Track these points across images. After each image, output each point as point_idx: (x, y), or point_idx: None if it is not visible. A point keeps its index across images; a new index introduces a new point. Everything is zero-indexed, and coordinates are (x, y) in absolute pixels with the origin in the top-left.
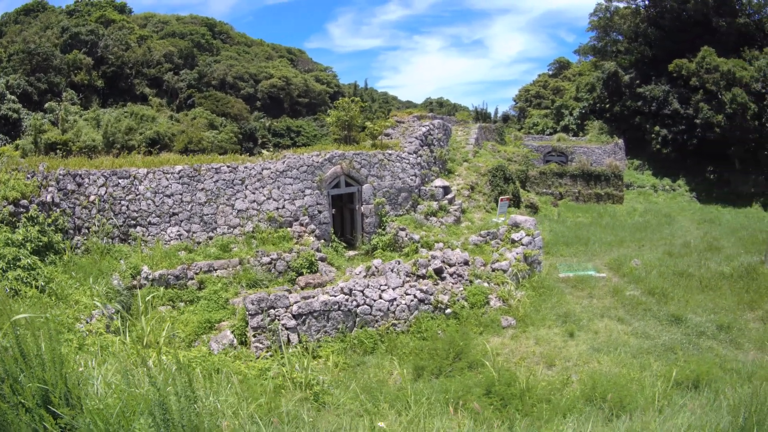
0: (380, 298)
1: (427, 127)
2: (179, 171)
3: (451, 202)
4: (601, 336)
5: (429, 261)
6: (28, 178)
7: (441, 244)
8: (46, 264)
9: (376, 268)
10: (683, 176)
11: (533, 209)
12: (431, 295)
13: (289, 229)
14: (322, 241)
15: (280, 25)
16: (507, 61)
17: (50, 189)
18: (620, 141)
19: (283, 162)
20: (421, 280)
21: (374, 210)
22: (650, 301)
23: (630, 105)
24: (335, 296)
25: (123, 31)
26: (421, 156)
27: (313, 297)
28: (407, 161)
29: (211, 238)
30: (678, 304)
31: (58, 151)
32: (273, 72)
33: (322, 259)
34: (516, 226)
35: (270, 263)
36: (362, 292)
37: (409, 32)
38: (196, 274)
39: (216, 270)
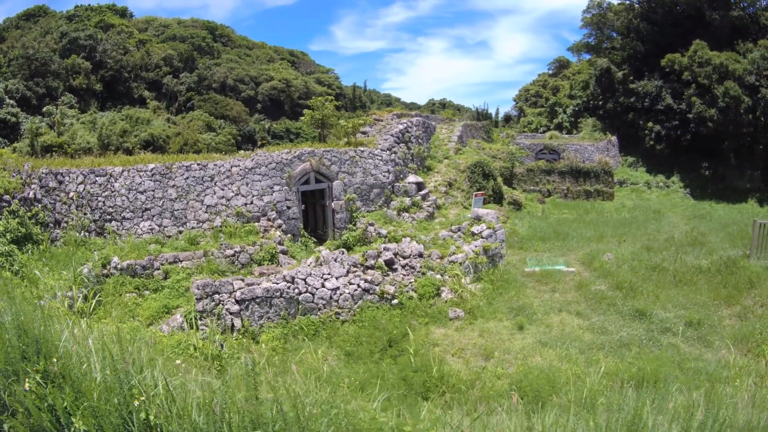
0: (323, 286)
1: (405, 125)
2: (152, 168)
3: (424, 198)
4: (554, 330)
5: (380, 253)
6: (13, 176)
7: (408, 239)
8: (24, 252)
9: (323, 258)
10: (677, 173)
11: (516, 206)
12: (377, 285)
13: (256, 224)
14: (289, 235)
15: (282, 27)
16: (510, 62)
17: (33, 186)
18: (613, 138)
19: (252, 159)
20: (369, 270)
21: (345, 206)
22: (616, 295)
23: (623, 101)
24: (277, 284)
25: (121, 36)
26: (395, 153)
27: (257, 284)
28: (380, 158)
29: (181, 232)
30: (646, 299)
31: (53, 153)
32: (273, 74)
33: (284, 252)
34: (478, 219)
35: (233, 255)
36: (304, 280)
37: (412, 34)
38: (162, 264)
39: (182, 261)
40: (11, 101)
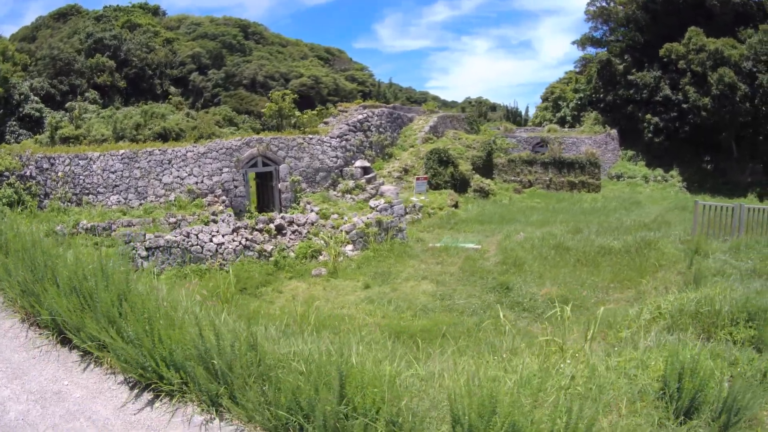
0: (210, 241)
1: (364, 115)
2: (122, 153)
3: (369, 181)
4: (396, 293)
5: (272, 219)
6: (15, 158)
7: (336, 215)
8: (15, 213)
9: (221, 220)
10: (677, 166)
11: (483, 194)
12: (257, 244)
13: (203, 199)
14: (229, 208)
15: (323, 26)
16: (554, 63)
17: (30, 166)
18: (613, 131)
19: (205, 146)
20: (255, 232)
21: (290, 187)
22: (497, 270)
23: (622, 94)
24: (176, 237)
25: (146, 35)
26: (347, 140)
27: (162, 236)
28: (328, 144)
29: (141, 204)
30: (526, 276)
31: (70, 143)
32: (303, 71)
33: (214, 221)
34: (381, 195)
35: (175, 222)
36: (197, 235)
37: (456, 33)
38: (117, 227)
39: (134, 225)
40: (36, 98)
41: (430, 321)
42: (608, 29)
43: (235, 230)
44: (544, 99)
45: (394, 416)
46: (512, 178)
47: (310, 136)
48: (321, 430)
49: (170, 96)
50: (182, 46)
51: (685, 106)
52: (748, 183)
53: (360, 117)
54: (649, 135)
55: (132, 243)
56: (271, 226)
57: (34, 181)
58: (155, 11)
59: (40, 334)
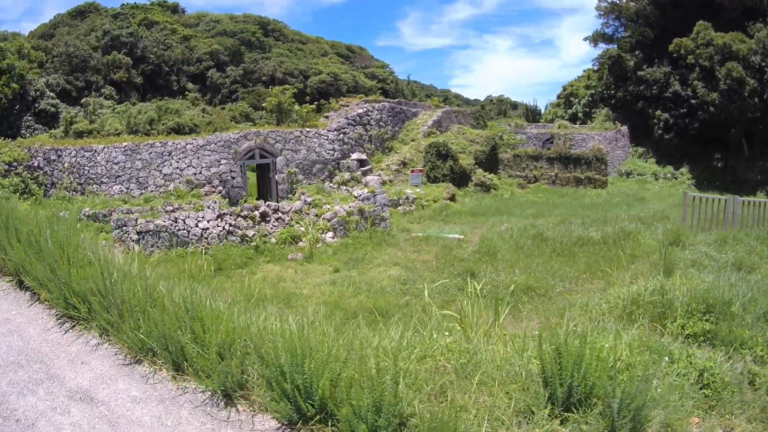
0: (196, 226)
1: (364, 110)
2: (125, 146)
3: (365, 173)
4: (363, 277)
5: (257, 206)
6: (24, 150)
7: (328, 206)
8: (21, 200)
9: (207, 207)
10: (687, 164)
11: (484, 188)
12: (240, 229)
13: (201, 189)
14: (226, 199)
15: (344, 24)
16: (575, 61)
17: (38, 158)
18: (623, 128)
19: (204, 139)
20: (241, 219)
21: (287, 178)
22: (471, 259)
23: (633, 90)
24: (165, 222)
25: (163, 33)
26: (345, 133)
27: (152, 221)
28: (326, 137)
29: (142, 194)
30: (501, 265)
31: (84, 138)
32: (322, 68)
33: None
34: (366, 185)
35: (172, 210)
36: (184, 221)
37: (478, 31)
38: (117, 214)
39: (133, 213)
40: (51, 93)
41: (374, 301)
42: (619, 25)
43: (220, 216)
44: (559, 96)
45: (223, 348)
46: (517, 173)
47: (308, 129)
48: (166, 352)
49: (187, 92)
50: (200, 43)
51: (693, 102)
52: (758, 181)
53: (360, 111)
54: (659, 132)
55: (125, 227)
56: (256, 213)
57: (41, 172)
58: (174, 9)
59: (6, 280)
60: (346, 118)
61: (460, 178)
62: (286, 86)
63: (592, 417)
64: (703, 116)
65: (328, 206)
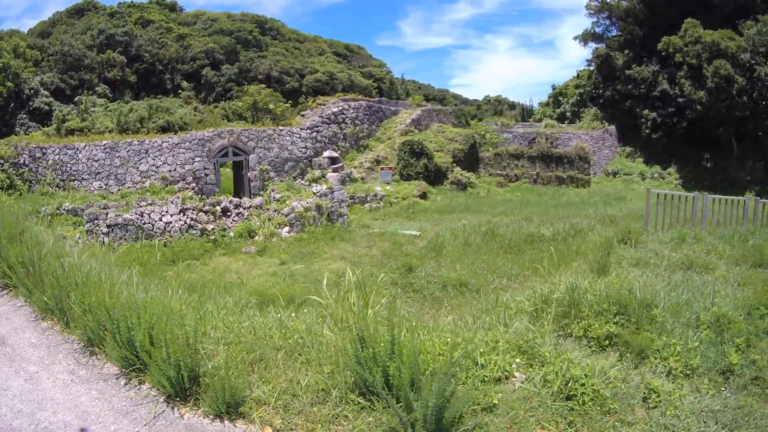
0: (160, 220)
1: (339, 108)
2: (105, 144)
3: (335, 171)
4: (305, 269)
5: (219, 202)
6: (11, 148)
7: (297, 200)
8: (7, 195)
9: (170, 202)
10: (675, 164)
11: (460, 186)
12: (200, 223)
13: (175, 186)
14: (202, 195)
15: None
16: (575, 62)
17: (23, 155)
18: (611, 127)
19: (179, 137)
20: (203, 214)
21: (258, 175)
22: (417, 255)
23: (621, 89)
24: (132, 216)
25: (158, 31)
26: (319, 131)
27: (120, 215)
28: (298, 135)
29: (120, 189)
30: (445, 260)
31: (75, 135)
32: (318, 67)
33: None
34: (327, 181)
35: (146, 206)
36: (149, 215)
37: (479, 31)
38: (94, 209)
39: (110, 207)
40: (45, 92)
41: (290, 290)
42: (610, 24)
43: (183, 211)
44: (549, 96)
45: (92, 309)
46: (498, 172)
47: (281, 128)
48: (61, 312)
49: (181, 90)
50: (196, 42)
51: (681, 100)
52: (748, 181)
53: (335, 110)
54: (647, 131)
55: (96, 221)
56: (217, 208)
57: (26, 168)
58: (172, 7)
59: None
60: (321, 116)
61: (435, 176)
62: (262, 86)
63: (401, 408)
64: (690, 115)
65: (298, 199)
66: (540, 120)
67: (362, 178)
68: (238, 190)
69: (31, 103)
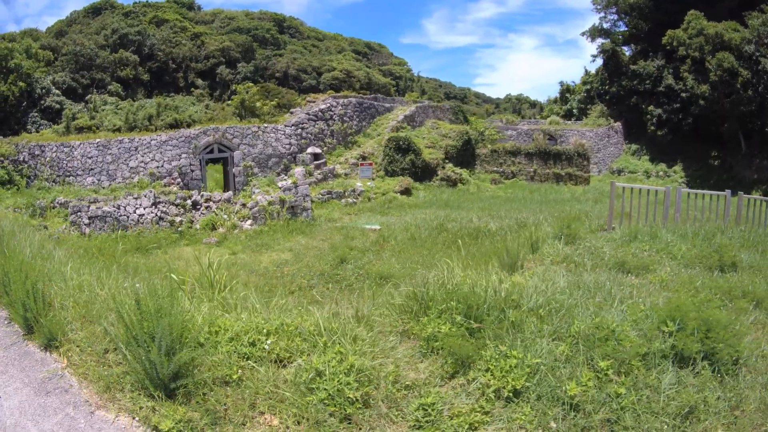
0: (134, 212)
1: (327, 105)
2: (98, 142)
3: (318, 167)
4: (251, 259)
5: (190, 196)
6: (12, 146)
7: (262, 194)
8: (5, 189)
9: (144, 195)
10: (681, 161)
11: (450, 182)
12: (169, 216)
13: (162, 181)
14: (187, 190)
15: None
16: (599, 62)
17: (23, 153)
18: (616, 124)
19: (167, 135)
20: (173, 207)
21: (242, 171)
22: (362, 248)
23: (626, 84)
24: (110, 209)
25: (172, 30)
26: (304, 128)
27: (100, 208)
28: (283, 132)
29: (110, 185)
30: (386, 254)
31: (84, 133)
32: (335, 65)
33: None
34: (292, 176)
35: (122, 199)
36: (125, 207)
37: (503, 30)
38: (86, 203)
39: (99, 201)
40: (57, 91)
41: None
42: (617, 19)
43: (155, 204)
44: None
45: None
46: (494, 168)
47: (266, 125)
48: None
49: (194, 89)
50: (211, 40)
51: (685, 95)
52: (755, 179)
53: (322, 107)
54: (653, 128)
55: (79, 213)
56: (188, 201)
57: (26, 165)
58: (190, 6)
59: None
60: (307, 113)
61: (423, 172)
62: (249, 84)
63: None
64: (695, 110)
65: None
66: (547, 116)
67: (346, 174)
68: (227, 185)
69: (42, 102)
